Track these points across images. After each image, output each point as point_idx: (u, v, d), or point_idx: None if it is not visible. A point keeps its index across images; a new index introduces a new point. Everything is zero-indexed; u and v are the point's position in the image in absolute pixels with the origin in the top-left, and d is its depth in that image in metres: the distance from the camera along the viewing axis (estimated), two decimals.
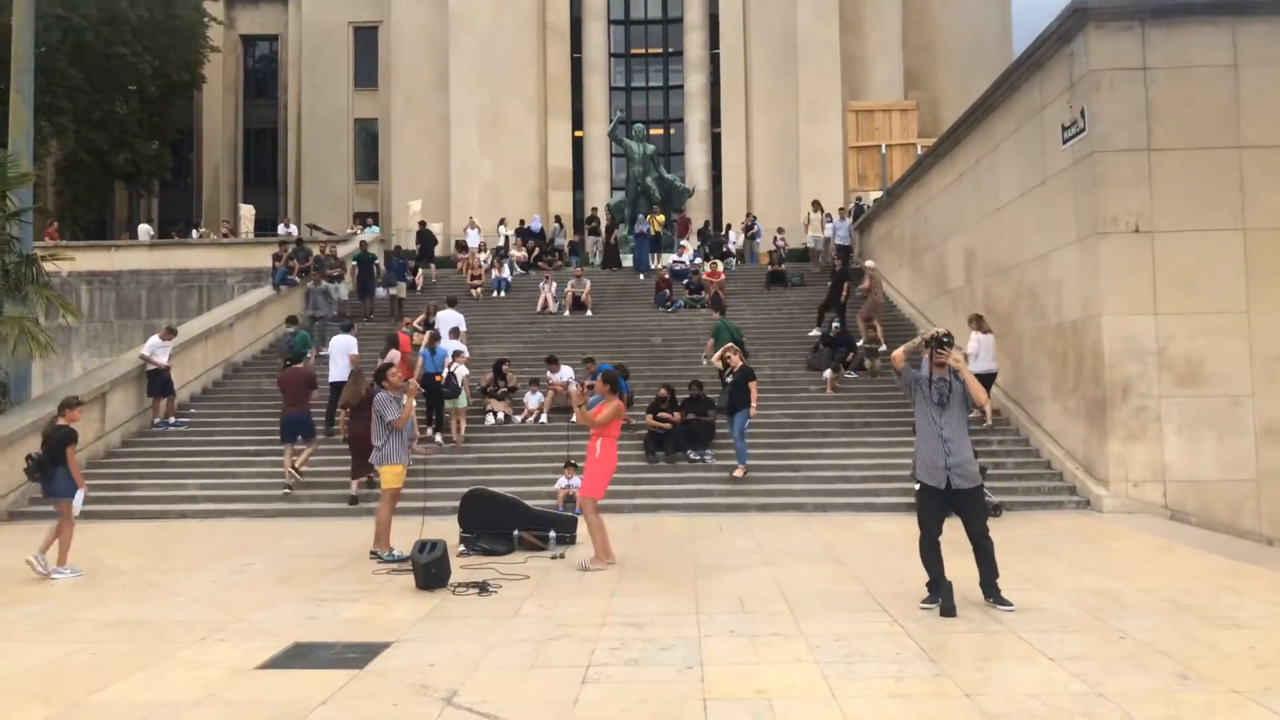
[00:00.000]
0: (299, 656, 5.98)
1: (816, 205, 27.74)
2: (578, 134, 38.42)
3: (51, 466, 9.19)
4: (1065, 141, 12.70)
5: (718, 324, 17.02)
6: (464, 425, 15.25)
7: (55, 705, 5.07)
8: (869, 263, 20.34)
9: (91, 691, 5.30)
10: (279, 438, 14.07)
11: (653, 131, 35.83)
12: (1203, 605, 6.99)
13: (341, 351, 15.43)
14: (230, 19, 42.93)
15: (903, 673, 5.45)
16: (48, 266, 15.50)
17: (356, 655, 5.91)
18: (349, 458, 13.14)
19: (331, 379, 15.58)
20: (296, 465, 13.72)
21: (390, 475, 9.53)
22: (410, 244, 27.79)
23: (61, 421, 9.41)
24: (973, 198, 16.45)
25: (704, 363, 16.64)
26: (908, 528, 7.26)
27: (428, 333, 16.16)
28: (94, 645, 6.39)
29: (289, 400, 13.93)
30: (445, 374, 15.12)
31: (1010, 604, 6.81)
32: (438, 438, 15.13)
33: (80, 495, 9.38)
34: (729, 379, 13.66)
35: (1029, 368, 14.28)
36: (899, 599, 7.18)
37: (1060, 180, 12.92)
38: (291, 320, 18.53)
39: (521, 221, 30.12)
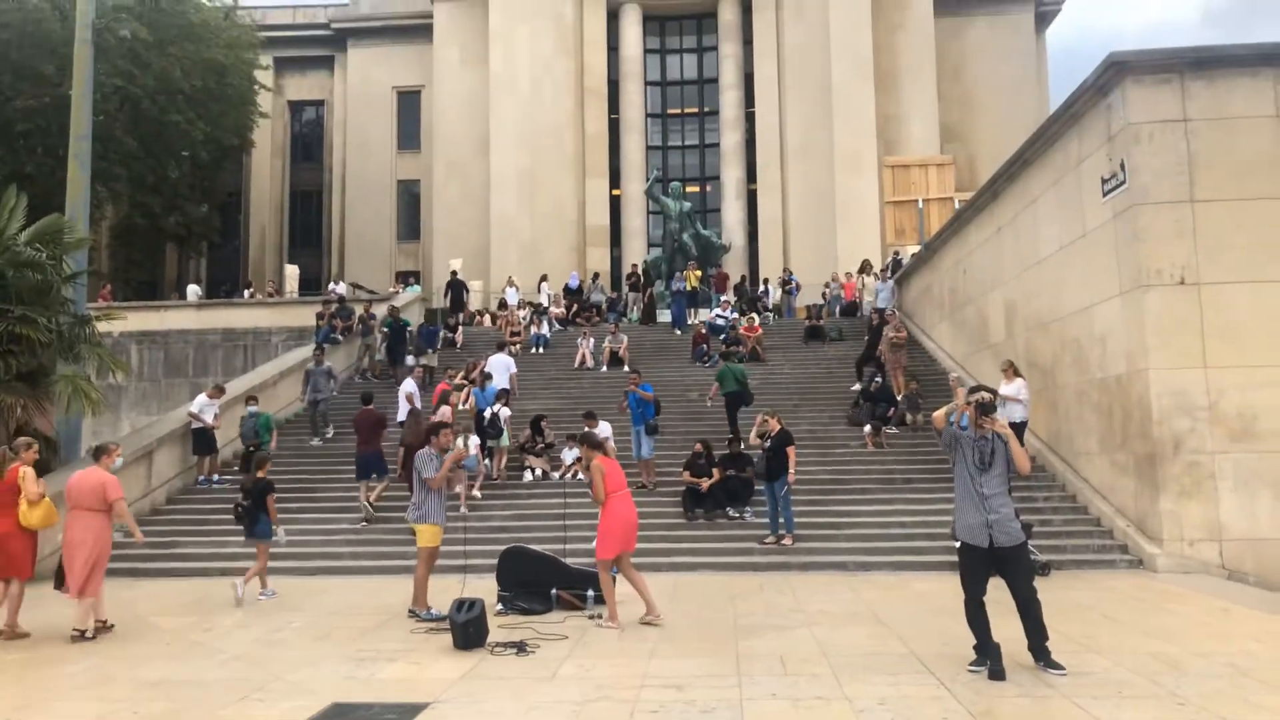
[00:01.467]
0: (338, 717, 5.95)
1: (866, 267, 27.68)
2: (615, 192, 38.97)
3: (256, 512, 10.79)
4: (1105, 194, 12.61)
5: (722, 369, 17.39)
6: (504, 461, 15.99)
7: None
8: (888, 309, 20.35)
9: None
10: (355, 475, 14.76)
11: (689, 189, 36.17)
12: (1264, 669, 6.73)
13: (404, 396, 16.53)
14: (279, 86, 44.33)
15: None
16: (101, 327, 15.87)
17: (395, 716, 5.87)
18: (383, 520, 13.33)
19: (399, 419, 16.45)
20: (371, 499, 14.40)
21: (427, 534, 9.56)
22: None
23: (260, 474, 10.98)
24: (1012, 251, 16.34)
25: (708, 403, 17.43)
26: (953, 587, 7.09)
27: (479, 374, 17.35)
28: (136, 704, 6.40)
29: (362, 439, 14.61)
30: (490, 414, 15.86)
31: (1062, 667, 6.60)
32: (486, 463, 15.68)
33: (280, 533, 11.16)
34: (767, 444, 13.19)
35: (1074, 422, 14.02)
36: (945, 661, 7.00)
37: (1101, 233, 12.81)
38: (251, 399, 17.11)
39: (567, 287, 30.42)
